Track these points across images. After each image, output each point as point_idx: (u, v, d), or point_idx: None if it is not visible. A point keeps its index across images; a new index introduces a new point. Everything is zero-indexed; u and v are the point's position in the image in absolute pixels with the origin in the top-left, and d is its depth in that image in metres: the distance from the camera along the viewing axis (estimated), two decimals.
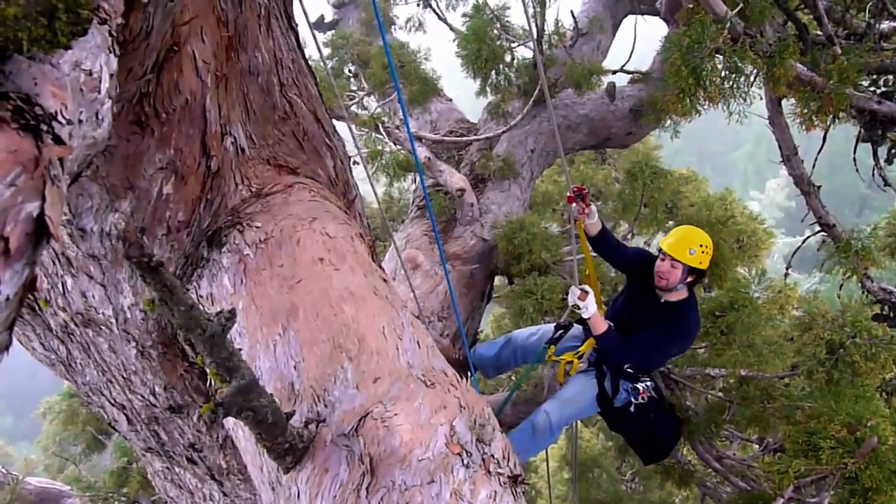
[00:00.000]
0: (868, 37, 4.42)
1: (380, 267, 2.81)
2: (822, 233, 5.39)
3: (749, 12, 3.93)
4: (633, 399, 4.31)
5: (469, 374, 4.77)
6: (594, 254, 4.57)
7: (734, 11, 3.84)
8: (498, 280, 7.16)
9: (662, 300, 4.16)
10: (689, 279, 4.05)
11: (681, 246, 3.98)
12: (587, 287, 4.12)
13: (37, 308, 2.71)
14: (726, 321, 4.89)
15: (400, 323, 2.20)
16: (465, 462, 1.72)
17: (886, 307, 5.17)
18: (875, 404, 3.97)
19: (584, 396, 4.38)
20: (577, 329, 4.56)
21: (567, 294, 4.23)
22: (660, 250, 4.07)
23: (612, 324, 4.21)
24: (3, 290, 0.74)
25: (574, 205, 4.18)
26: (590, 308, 4.06)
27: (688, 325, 4.14)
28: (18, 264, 0.76)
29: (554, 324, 4.59)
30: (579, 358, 4.41)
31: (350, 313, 2.13)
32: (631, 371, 4.29)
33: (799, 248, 6.41)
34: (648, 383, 4.34)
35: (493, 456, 1.79)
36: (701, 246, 3.96)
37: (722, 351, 4.92)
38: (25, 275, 0.77)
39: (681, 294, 4.12)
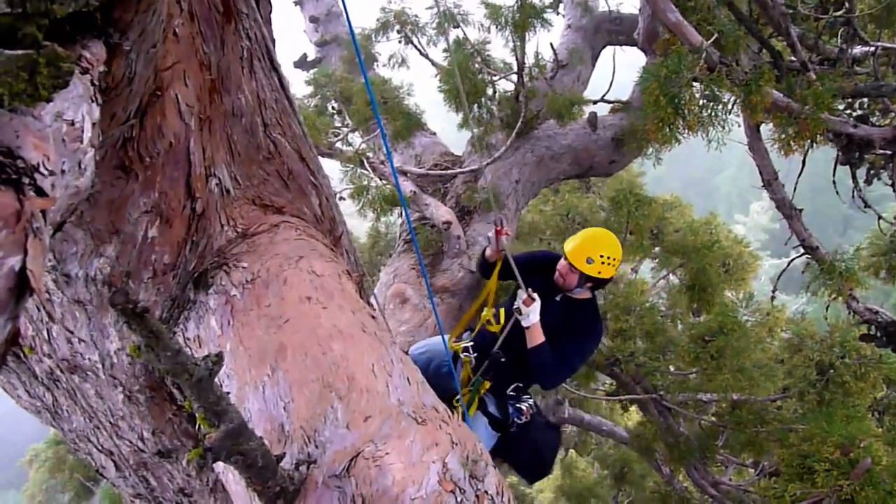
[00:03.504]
0: (841, 62, 4.52)
1: (368, 303, 2.80)
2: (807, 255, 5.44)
3: (724, 41, 4.02)
4: (515, 420, 4.20)
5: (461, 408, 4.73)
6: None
7: (709, 41, 3.92)
8: None
9: (563, 296, 4.10)
10: (589, 284, 4.01)
11: (580, 253, 3.92)
12: (535, 294, 3.94)
13: (21, 355, 2.68)
14: (716, 346, 4.91)
15: (389, 360, 2.19)
16: (459, 499, 1.70)
17: (873, 327, 5.21)
18: (867, 424, 3.99)
19: (476, 433, 4.13)
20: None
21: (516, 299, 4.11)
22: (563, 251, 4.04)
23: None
24: None
25: (503, 237, 4.04)
26: (531, 317, 3.93)
27: (594, 328, 4.10)
28: (1, 319, 0.75)
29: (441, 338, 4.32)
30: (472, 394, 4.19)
31: (339, 351, 2.12)
32: (513, 393, 4.21)
33: (784, 270, 6.46)
34: (531, 401, 4.27)
35: (486, 492, 1.77)
36: (602, 256, 3.87)
37: (713, 375, 4.94)
38: (8, 329, 0.77)
39: (583, 294, 4.10)
